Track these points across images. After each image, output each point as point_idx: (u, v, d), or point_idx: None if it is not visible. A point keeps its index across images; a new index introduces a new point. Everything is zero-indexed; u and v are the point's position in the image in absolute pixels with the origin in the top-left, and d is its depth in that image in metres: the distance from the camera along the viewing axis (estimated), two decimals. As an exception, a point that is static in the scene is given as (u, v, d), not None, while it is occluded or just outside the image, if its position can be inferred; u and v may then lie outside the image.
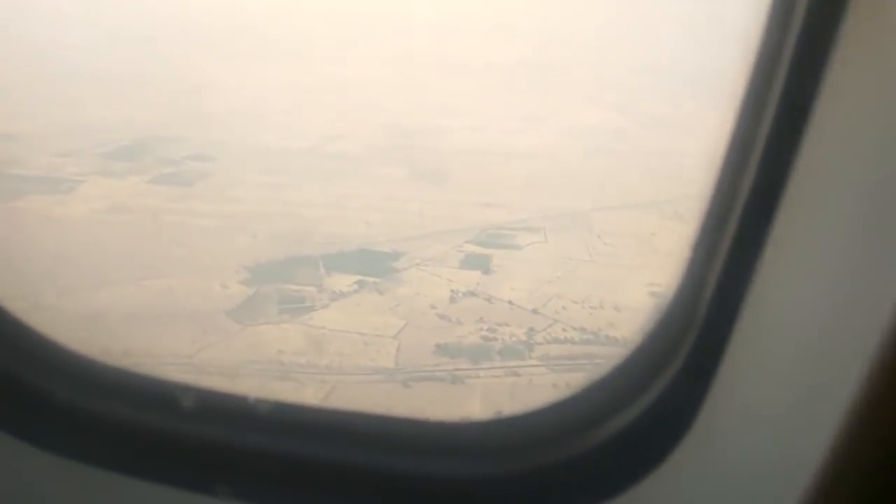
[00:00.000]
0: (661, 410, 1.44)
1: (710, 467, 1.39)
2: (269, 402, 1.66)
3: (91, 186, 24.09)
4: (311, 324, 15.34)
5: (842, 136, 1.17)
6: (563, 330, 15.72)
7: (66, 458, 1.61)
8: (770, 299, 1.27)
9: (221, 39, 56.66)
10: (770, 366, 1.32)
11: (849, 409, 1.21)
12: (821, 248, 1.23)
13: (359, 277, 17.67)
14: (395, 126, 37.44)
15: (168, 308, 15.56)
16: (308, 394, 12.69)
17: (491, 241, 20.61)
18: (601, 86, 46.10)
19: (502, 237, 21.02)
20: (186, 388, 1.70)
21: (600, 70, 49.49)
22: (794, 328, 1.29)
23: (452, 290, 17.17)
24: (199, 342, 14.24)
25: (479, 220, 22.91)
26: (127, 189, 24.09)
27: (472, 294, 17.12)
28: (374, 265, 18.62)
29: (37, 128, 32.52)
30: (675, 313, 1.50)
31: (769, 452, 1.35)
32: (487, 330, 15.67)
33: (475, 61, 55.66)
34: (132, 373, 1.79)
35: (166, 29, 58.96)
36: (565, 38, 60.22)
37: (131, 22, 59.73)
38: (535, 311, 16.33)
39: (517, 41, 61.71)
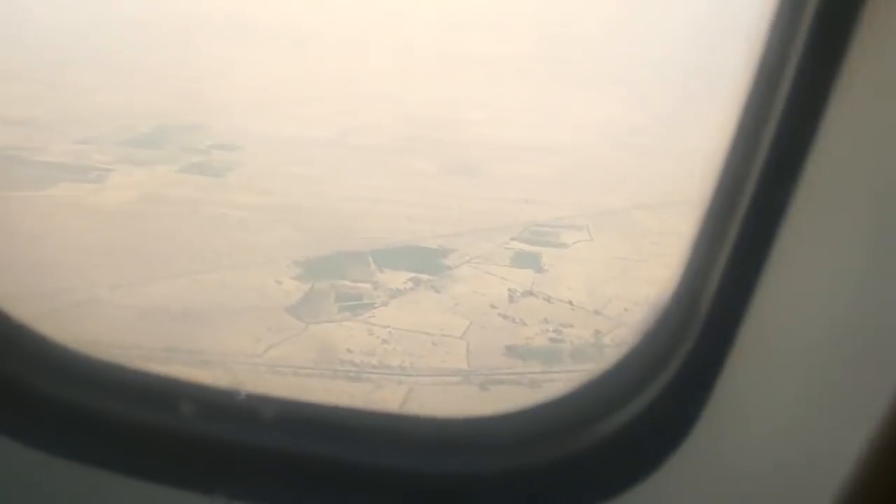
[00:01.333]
0: (660, 412, 1.40)
1: (707, 474, 1.35)
2: (265, 398, 1.65)
3: (120, 175, 23.60)
4: (374, 322, 15.05)
5: (854, 137, 1.14)
6: (630, 332, 15.53)
7: (59, 456, 1.57)
8: (777, 301, 1.23)
9: (223, 27, 55.94)
10: (775, 372, 1.26)
11: (872, 423, 1.17)
12: (831, 250, 1.19)
13: (412, 274, 17.39)
14: (414, 118, 37.16)
15: (225, 304, 15.20)
16: (386, 395, 12.42)
17: (536, 239, 20.39)
18: (611, 80, 46.05)
19: (547, 234, 20.80)
20: (183, 385, 1.69)
21: (608, 64, 49.40)
22: (802, 332, 1.24)
23: (510, 290, 16.94)
24: (265, 340, 13.90)
25: (519, 216, 22.69)
26: (158, 178, 23.62)
27: (531, 294, 16.87)
28: (424, 262, 18.34)
29: (50, 114, 31.87)
30: (674, 312, 1.46)
31: (771, 461, 1.30)
32: (553, 331, 15.42)
33: (482, 54, 55.37)
34: (128, 369, 1.75)
35: (166, 15, 58.12)
36: (570, 32, 60.10)
37: (129, 7, 58.79)
38: (597, 313, 16.12)
39: (522, 34, 61.52)
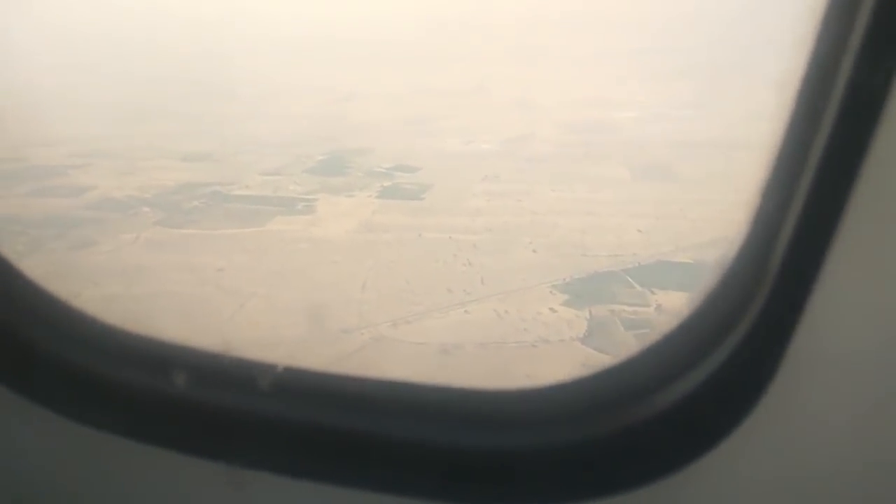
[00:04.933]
0: (729, 376, 1.29)
1: (782, 439, 1.24)
2: (301, 370, 1.59)
3: (326, 205, 23.47)
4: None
5: None
6: None
7: (82, 422, 1.57)
8: (858, 249, 1.13)
9: (338, 48, 56.78)
10: (854, 331, 1.16)
11: None
12: None
13: (687, 294, 16.05)
14: (567, 122, 36.13)
15: (515, 337, 14.37)
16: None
17: (794, 246, 18.64)
18: (743, 66, 43.43)
19: (802, 240, 19.00)
20: (219, 359, 1.64)
21: (730, 51, 46.76)
22: (884, 285, 1.12)
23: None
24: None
25: (753, 221, 20.96)
26: (364, 206, 23.36)
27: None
28: (688, 279, 16.92)
29: (221, 147, 32.54)
30: (741, 268, 1.34)
31: (849, 432, 1.20)
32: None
33: (601, 50, 53.81)
34: (149, 339, 1.71)
35: (275, 42, 59.65)
36: (679, 24, 57.63)
37: (233, 35, 60.68)
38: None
39: (631, 29, 59.59)
